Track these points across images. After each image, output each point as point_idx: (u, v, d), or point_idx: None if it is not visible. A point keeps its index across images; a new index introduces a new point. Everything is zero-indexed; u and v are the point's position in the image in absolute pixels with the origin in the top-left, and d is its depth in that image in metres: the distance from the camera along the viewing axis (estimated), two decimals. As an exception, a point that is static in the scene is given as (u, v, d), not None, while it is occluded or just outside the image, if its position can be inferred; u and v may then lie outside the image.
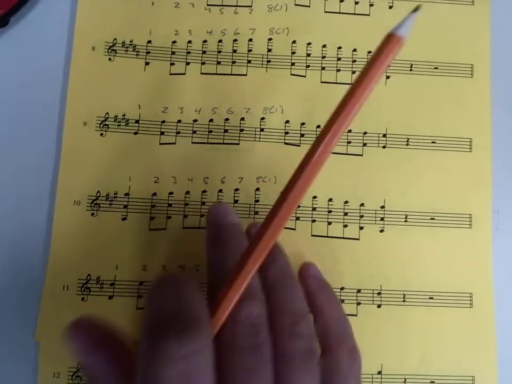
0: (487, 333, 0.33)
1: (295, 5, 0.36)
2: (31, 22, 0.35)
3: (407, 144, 0.35)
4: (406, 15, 0.23)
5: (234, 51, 0.35)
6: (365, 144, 0.35)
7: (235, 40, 0.35)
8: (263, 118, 0.34)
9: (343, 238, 0.34)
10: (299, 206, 0.34)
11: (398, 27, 0.23)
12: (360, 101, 0.22)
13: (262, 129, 0.34)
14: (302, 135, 0.34)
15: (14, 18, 0.35)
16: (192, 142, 0.34)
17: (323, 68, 0.35)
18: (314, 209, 0.34)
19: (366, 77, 0.22)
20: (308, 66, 0.35)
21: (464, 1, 0.36)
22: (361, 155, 0.35)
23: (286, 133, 0.34)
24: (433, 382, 0.32)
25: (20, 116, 0.34)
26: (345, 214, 0.34)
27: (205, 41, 0.35)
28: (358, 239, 0.34)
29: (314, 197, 0.34)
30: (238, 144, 0.34)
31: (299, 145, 0.34)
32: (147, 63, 0.35)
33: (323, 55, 0.36)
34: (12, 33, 0.35)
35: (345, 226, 0.34)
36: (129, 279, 0.32)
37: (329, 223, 0.34)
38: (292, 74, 0.35)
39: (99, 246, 0.33)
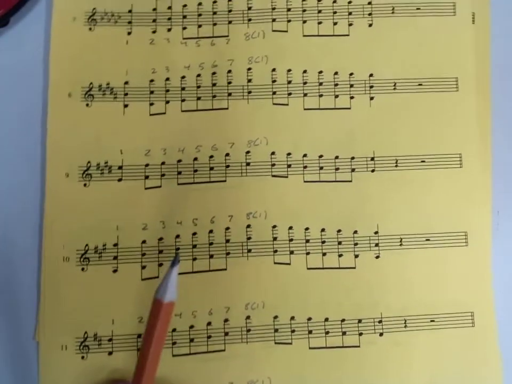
0: (491, 351, 0.33)
1: (273, 31, 0.35)
2: (31, 22, 0.35)
3: (396, 166, 0.34)
4: (167, 270, 0.26)
5: (214, 84, 0.35)
6: (353, 170, 0.34)
7: (213, 73, 0.35)
8: (248, 152, 0.34)
9: (339, 268, 0.33)
10: (292, 239, 0.33)
11: (163, 291, 0.25)
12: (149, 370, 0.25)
13: (248, 163, 0.34)
14: (289, 166, 0.34)
15: (14, 18, 0.34)
16: (178, 184, 0.33)
17: (305, 95, 0.35)
18: (307, 241, 0.33)
19: (146, 344, 0.25)
20: (289, 94, 0.35)
21: (446, 13, 0.36)
22: (351, 181, 0.34)
23: (273, 164, 0.34)
24: None
25: (18, 120, 0.34)
26: (339, 243, 0.33)
27: (183, 77, 0.34)
28: (354, 268, 0.33)
29: (307, 229, 0.33)
30: (225, 181, 0.33)
31: (287, 177, 0.34)
32: (126, 105, 0.34)
33: (304, 81, 0.35)
34: (11, 33, 0.35)
35: (340, 255, 0.33)
36: (126, 332, 0.32)
37: (324, 254, 0.33)
38: (274, 104, 0.34)
39: (93, 301, 0.32)
